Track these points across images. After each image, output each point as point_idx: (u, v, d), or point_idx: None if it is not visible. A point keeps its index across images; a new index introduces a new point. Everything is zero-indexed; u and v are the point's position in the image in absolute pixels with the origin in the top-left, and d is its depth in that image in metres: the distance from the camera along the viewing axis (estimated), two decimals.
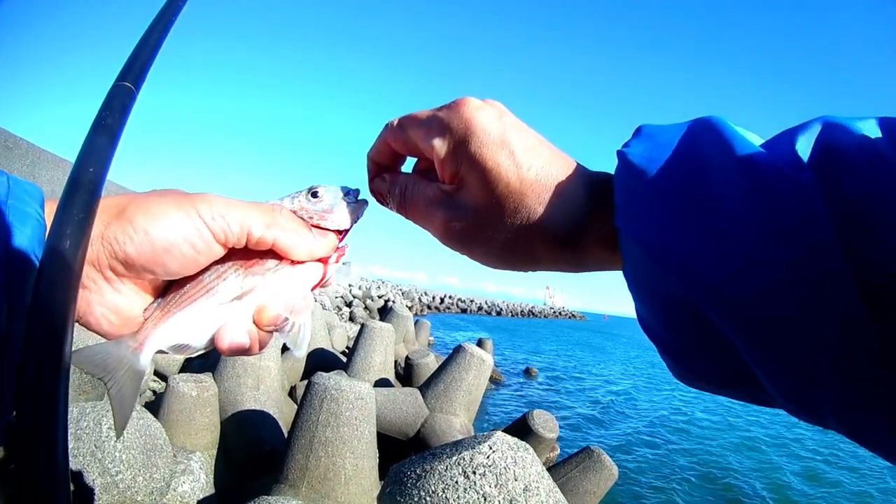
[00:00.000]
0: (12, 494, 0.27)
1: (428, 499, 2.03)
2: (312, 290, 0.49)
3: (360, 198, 0.50)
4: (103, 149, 0.35)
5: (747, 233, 0.30)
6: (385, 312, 10.92)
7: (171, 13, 0.44)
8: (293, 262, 0.47)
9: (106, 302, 0.42)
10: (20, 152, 5.85)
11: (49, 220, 0.40)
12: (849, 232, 0.26)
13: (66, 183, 0.33)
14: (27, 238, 0.38)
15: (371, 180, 0.51)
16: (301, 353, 0.47)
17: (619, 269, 0.41)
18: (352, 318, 15.35)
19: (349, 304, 19.36)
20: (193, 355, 0.47)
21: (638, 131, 0.40)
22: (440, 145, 0.42)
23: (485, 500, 1.97)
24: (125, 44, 0.42)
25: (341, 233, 0.49)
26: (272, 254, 0.46)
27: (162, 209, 0.41)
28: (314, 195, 0.48)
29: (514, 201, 0.40)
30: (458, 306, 55.87)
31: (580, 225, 0.41)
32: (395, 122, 0.47)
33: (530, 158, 0.41)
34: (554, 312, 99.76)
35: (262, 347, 0.47)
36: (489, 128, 0.41)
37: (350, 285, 26.92)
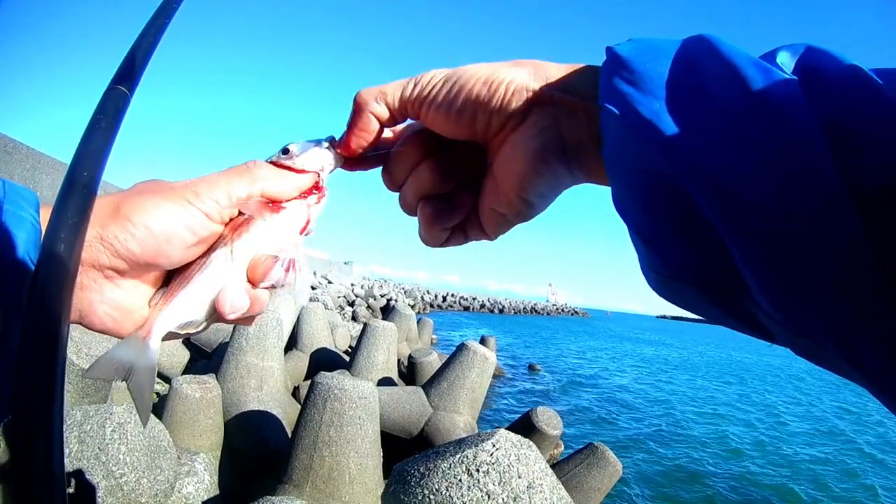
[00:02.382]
0: (7, 496, 0.27)
1: (431, 497, 2.03)
2: (300, 233, 0.49)
3: (331, 145, 0.50)
4: (97, 152, 0.35)
5: (736, 115, 0.30)
6: (387, 311, 10.94)
7: (164, 17, 0.44)
8: (275, 209, 0.47)
9: (107, 299, 0.42)
10: (20, 157, 5.86)
11: (44, 225, 0.40)
12: (835, 141, 0.27)
13: (60, 186, 0.33)
14: (23, 242, 0.39)
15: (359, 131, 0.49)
16: (303, 299, 0.49)
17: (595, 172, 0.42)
18: (354, 318, 15.36)
19: (351, 304, 19.38)
20: (200, 330, 0.47)
21: (629, 39, 0.39)
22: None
23: (488, 497, 1.97)
24: (125, 48, 0.42)
25: (315, 177, 0.50)
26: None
27: (154, 203, 0.42)
28: (284, 151, 0.48)
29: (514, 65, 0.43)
30: (460, 304, 55.88)
31: (572, 83, 0.41)
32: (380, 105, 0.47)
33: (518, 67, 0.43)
34: (556, 309, 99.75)
35: (261, 307, 0.47)
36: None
37: (352, 284, 26.96)
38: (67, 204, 0.32)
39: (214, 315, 0.46)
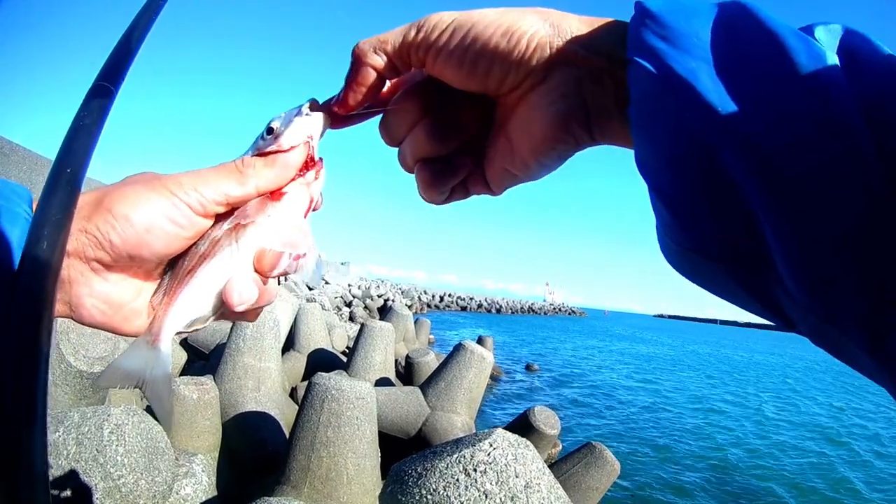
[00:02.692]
0: None
1: (429, 497, 2.03)
2: (305, 216, 0.48)
3: (313, 108, 0.47)
4: (82, 149, 0.34)
5: (777, 85, 0.29)
6: (385, 312, 10.94)
7: (150, 13, 0.44)
8: (276, 197, 0.46)
9: (95, 293, 0.42)
10: (17, 158, 5.86)
11: None
12: (873, 119, 0.27)
13: (44, 184, 0.33)
14: (17, 238, 0.39)
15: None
16: (317, 283, 0.47)
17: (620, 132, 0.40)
18: (352, 318, 15.36)
19: (349, 304, 19.38)
20: (206, 324, 0.47)
21: None
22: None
23: (486, 497, 1.97)
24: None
25: (307, 149, 0.47)
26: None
27: (136, 193, 0.41)
28: (269, 132, 0.46)
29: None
30: (457, 304, 55.93)
31: (595, 48, 0.39)
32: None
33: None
34: (554, 309, 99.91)
35: (270, 298, 0.47)
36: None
37: (349, 285, 26.94)
38: (51, 200, 0.32)
39: (222, 309, 0.45)
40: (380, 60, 0.43)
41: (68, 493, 2.19)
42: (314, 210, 0.49)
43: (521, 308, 77.99)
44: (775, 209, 0.29)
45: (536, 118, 0.41)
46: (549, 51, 0.39)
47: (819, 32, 0.31)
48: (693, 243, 0.35)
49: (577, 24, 0.40)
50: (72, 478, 2.23)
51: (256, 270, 0.45)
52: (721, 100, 0.30)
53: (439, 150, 0.46)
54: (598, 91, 0.39)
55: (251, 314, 0.48)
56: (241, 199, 0.44)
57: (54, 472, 2.16)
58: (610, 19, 0.39)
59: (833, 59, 0.29)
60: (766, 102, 0.29)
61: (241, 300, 0.44)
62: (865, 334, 0.27)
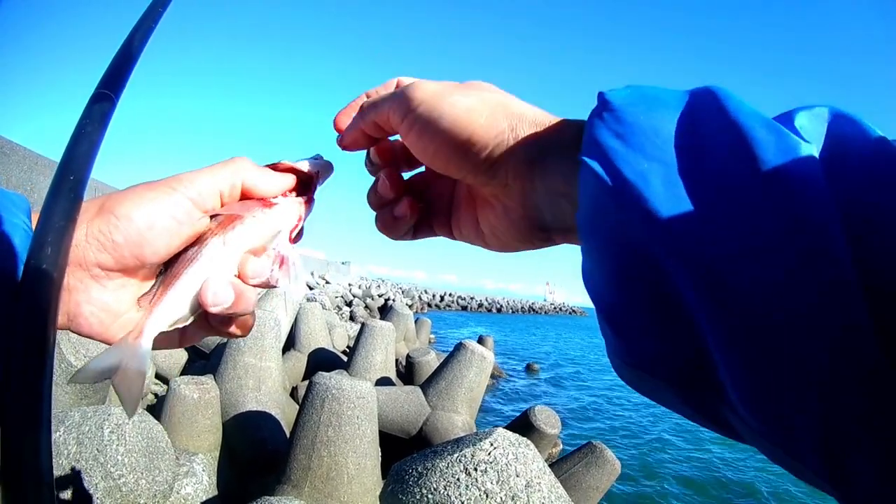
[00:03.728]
0: None
1: (430, 496, 2.04)
2: (292, 231, 0.49)
3: (324, 160, 0.52)
4: (84, 156, 0.35)
5: (744, 200, 0.26)
6: (385, 311, 10.94)
7: (150, 20, 0.44)
8: (266, 205, 0.47)
9: (93, 300, 0.42)
10: (17, 158, 5.86)
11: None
12: (858, 234, 0.23)
13: (47, 191, 0.33)
14: (16, 248, 0.39)
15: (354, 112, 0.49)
16: (297, 297, 0.48)
17: (570, 223, 0.37)
18: (352, 318, 15.36)
19: (349, 304, 19.37)
20: (188, 322, 0.46)
21: (627, 86, 0.35)
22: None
23: (486, 496, 1.97)
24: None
25: (308, 178, 0.51)
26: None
27: (136, 194, 0.42)
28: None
29: (499, 113, 0.39)
30: (458, 304, 55.96)
31: (550, 144, 0.38)
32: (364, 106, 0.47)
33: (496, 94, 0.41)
34: (554, 308, 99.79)
35: (247, 306, 0.46)
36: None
37: (350, 284, 26.94)
38: (55, 208, 0.33)
39: (199, 309, 0.45)
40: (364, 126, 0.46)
41: (69, 492, 2.20)
42: (295, 237, 0.50)
43: (522, 307, 77.96)
44: (725, 333, 0.25)
45: (496, 219, 0.43)
46: (511, 166, 0.39)
47: (800, 119, 0.28)
48: (637, 361, 0.32)
49: (529, 119, 0.39)
50: (73, 477, 2.23)
51: (239, 275, 0.46)
52: (669, 207, 0.27)
53: (388, 196, 0.49)
54: (557, 211, 0.39)
55: (236, 327, 0.48)
56: (231, 190, 0.45)
57: (55, 472, 2.17)
58: (563, 120, 0.39)
59: (809, 151, 0.26)
60: (720, 207, 0.26)
61: (215, 300, 0.43)
62: (824, 468, 0.24)
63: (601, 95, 0.34)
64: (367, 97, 0.49)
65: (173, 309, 0.44)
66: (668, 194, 0.28)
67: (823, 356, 0.23)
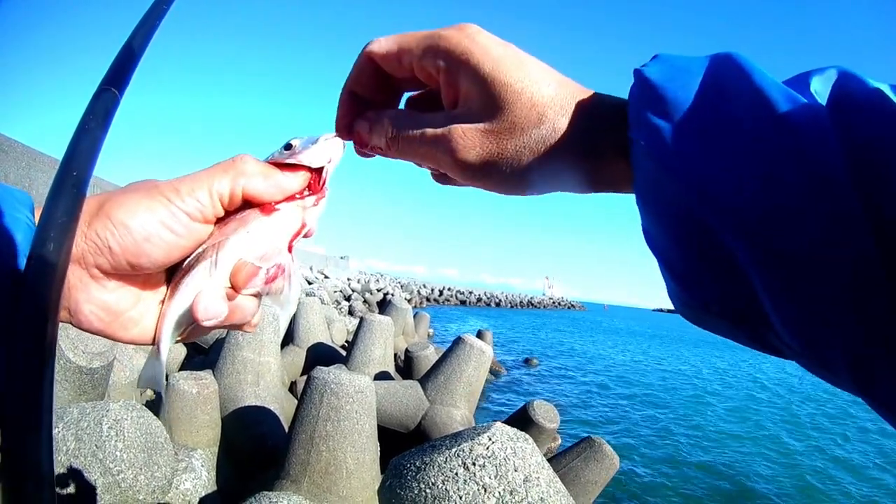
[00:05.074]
0: None
1: (428, 491, 2.04)
2: (293, 239, 0.47)
3: (335, 138, 0.48)
4: (87, 153, 0.35)
5: (765, 153, 0.30)
6: (384, 306, 10.93)
7: (154, 17, 0.44)
8: (266, 212, 0.45)
9: (93, 299, 0.42)
10: (15, 155, 5.85)
11: None
12: (860, 172, 0.27)
13: (50, 187, 0.33)
14: (19, 243, 0.39)
15: (344, 116, 0.49)
16: (289, 309, 0.47)
17: (629, 189, 0.40)
18: (351, 312, 15.35)
19: (348, 298, 19.37)
20: (193, 327, 0.47)
21: (655, 57, 0.38)
22: (450, 62, 0.41)
23: (485, 491, 1.98)
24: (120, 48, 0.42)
25: (317, 172, 0.47)
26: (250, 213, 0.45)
27: (134, 201, 0.41)
28: (287, 147, 0.46)
29: (538, 112, 0.39)
30: (457, 298, 55.92)
31: (601, 135, 0.40)
32: (384, 39, 0.45)
33: (547, 76, 0.41)
34: (553, 303, 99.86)
35: (244, 316, 0.46)
36: (501, 47, 0.41)
37: (349, 279, 26.93)
38: (57, 204, 0.33)
39: (194, 324, 0.45)
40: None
41: (68, 489, 2.20)
42: (305, 237, 0.48)
43: (521, 302, 77.95)
44: (767, 276, 0.30)
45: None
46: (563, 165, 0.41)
47: (815, 83, 0.32)
48: (697, 304, 0.37)
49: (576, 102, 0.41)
50: (71, 474, 2.24)
51: (232, 285, 0.45)
52: (711, 176, 0.32)
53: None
54: (604, 172, 0.41)
55: (233, 328, 0.48)
56: (230, 197, 0.44)
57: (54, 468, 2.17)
58: (595, 94, 0.41)
59: (819, 113, 0.29)
60: (752, 171, 0.30)
61: (206, 315, 0.43)
62: (856, 379, 0.29)
63: (638, 73, 0.37)
64: (353, 94, 0.48)
65: (175, 323, 0.45)
66: (710, 166, 0.32)
67: (839, 276, 0.27)
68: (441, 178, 0.50)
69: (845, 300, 0.27)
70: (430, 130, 0.43)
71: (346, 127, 0.49)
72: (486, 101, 0.40)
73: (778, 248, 0.29)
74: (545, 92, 0.40)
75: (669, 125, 0.34)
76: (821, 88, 0.32)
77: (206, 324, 0.44)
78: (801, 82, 0.33)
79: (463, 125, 0.41)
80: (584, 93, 0.41)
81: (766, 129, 0.30)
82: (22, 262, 0.38)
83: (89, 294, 0.42)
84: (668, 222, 0.36)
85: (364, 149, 0.48)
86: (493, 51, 0.40)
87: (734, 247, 0.31)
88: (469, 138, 0.41)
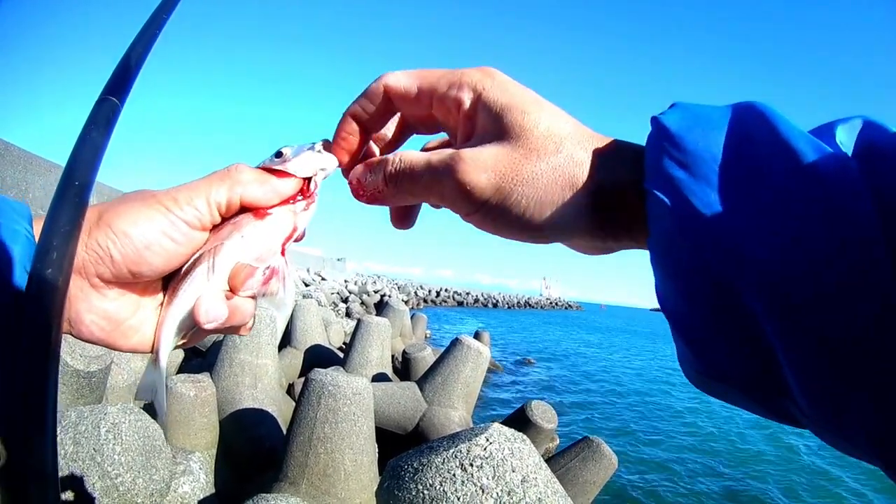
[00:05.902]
0: (2, 496, 0.28)
1: (425, 492, 2.04)
2: (286, 241, 0.48)
3: (325, 148, 0.48)
4: (89, 162, 0.35)
5: (792, 205, 0.28)
6: (381, 307, 10.92)
7: (155, 26, 0.44)
8: (259, 216, 0.46)
9: (94, 308, 0.43)
10: (12, 158, 5.82)
11: (37, 237, 0.41)
12: (889, 220, 0.26)
13: (52, 197, 0.34)
14: (18, 255, 0.40)
15: (344, 139, 0.47)
16: (285, 311, 0.49)
17: (643, 243, 0.38)
18: (348, 314, 15.33)
19: (345, 300, 19.35)
20: (193, 331, 0.47)
21: (673, 105, 0.37)
22: (471, 96, 0.40)
23: (482, 492, 1.98)
24: (120, 53, 0.42)
25: (307, 179, 0.48)
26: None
27: (134, 210, 0.42)
28: (278, 155, 0.47)
29: (556, 142, 0.38)
30: (454, 299, 55.90)
31: (619, 173, 0.38)
32: (402, 75, 0.43)
33: (564, 116, 0.40)
34: (550, 303, 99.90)
35: (243, 317, 0.47)
36: (521, 87, 0.40)
37: (346, 281, 26.89)
38: (60, 213, 0.33)
39: (195, 327, 0.46)
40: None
41: (67, 492, 2.20)
42: (296, 241, 0.49)
43: (518, 302, 77.95)
44: (792, 343, 0.28)
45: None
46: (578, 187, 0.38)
47: (840, 134, 0.31)
48: (710, 371, 0.34)
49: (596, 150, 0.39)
50: (69, 477, 2.23)
51: (230, 288, 0.46)
52: (735, 234, 0.30)
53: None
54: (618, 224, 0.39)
55: (232, 331, 0.49)
56: (227, 205, 0.45)
57: None
58: (614, 141, 0.39)
59: (848, 161, 0.28)
60: (778, 224, 0.29)
61: (208, 318, 0.44)
62: (881, 457, 0.27)
63: (656, 121, 0.35)
64: (354, 118, 0.46)
65: (175, 329, 0.46)
66: (734, 223, 0.30)
67: (874, 351, 0.25)
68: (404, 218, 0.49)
69: (875, 369, 0.26)
70: (435, 157, 0.41)
71: (345, 151, 0.48)
72: (503, 128, 0.39)
73: (805, 313, 0.27)
74: (563, 126, 0.39)
75: (689, 175, 0.32)
76: (846, 139, 0.31)
77: (208, 326, 0.45)
78: (825, 133, 0.31)
79: (475, 147, 0.39)
80: (602, 136, 0.40)
81: (793, 181, 0.29)
82: (20, 274, 0.38)
83: (90, 303, 0.42)
84: (685, 280, 0.33)
85: (358, 191, 0.46)
86: (512, 88, 0.40)
87: (758, 310, 0.29)
88: (481, 159, 0.39)
